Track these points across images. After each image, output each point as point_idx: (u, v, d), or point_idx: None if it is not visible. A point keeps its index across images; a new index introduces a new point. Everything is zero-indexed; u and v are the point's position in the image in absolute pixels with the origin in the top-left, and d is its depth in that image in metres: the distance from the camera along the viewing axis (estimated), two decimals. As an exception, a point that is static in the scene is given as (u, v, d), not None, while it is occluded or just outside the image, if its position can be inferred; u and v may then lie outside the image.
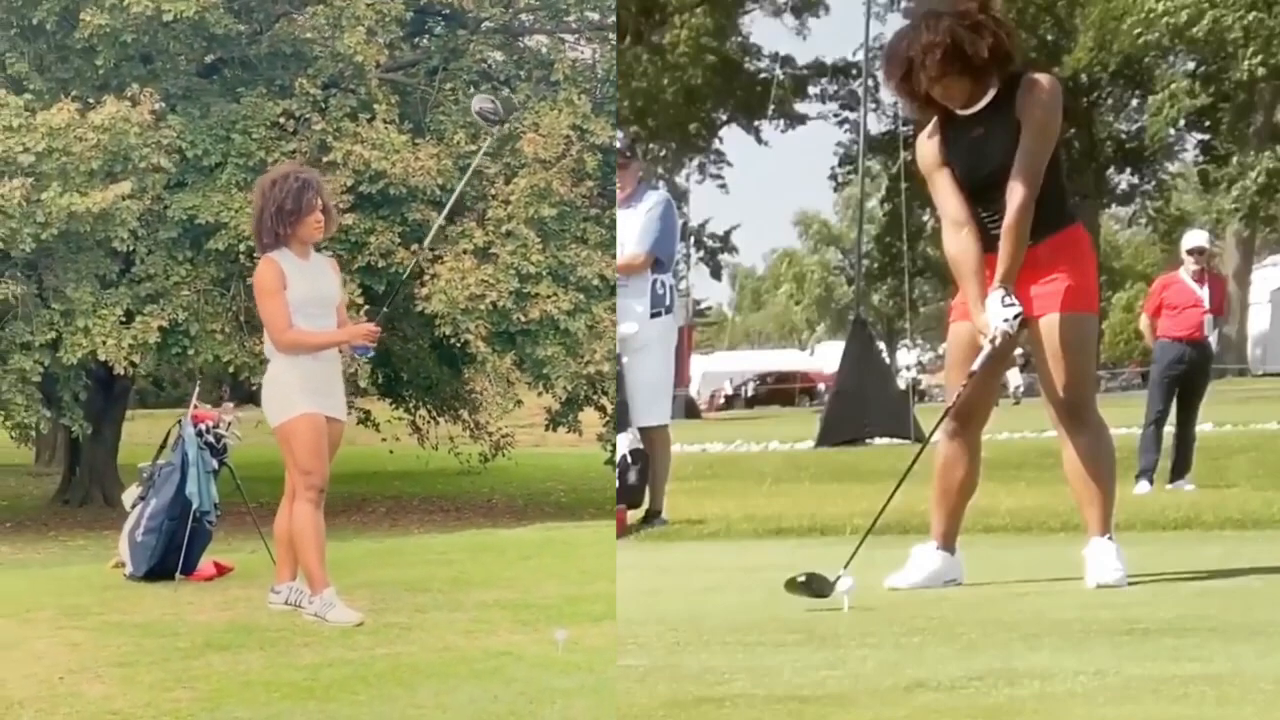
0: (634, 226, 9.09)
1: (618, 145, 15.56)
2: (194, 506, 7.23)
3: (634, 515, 9.00)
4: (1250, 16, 40.06)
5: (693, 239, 54.24)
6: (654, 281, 9.10)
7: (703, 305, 63.62)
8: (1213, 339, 12.87)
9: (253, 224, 6.31)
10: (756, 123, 53.37)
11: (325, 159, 14.77)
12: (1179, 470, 12.45)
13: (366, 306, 13.24)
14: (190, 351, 15.28)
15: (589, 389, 16.03)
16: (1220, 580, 5.96)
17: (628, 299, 9.13)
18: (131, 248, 14.98)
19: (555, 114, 15.28)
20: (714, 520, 9.02)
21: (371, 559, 7.94)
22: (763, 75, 52.59)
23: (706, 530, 8.72)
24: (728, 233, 57.11)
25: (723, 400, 59.21)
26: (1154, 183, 51.91)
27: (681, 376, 35.96)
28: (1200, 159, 47.82)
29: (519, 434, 20.03)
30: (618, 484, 8.98)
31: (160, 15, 14.63)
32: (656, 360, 9.13)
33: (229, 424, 7.51)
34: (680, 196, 51.70)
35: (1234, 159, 43.55)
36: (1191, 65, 45.43)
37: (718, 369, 62.71)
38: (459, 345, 15.25)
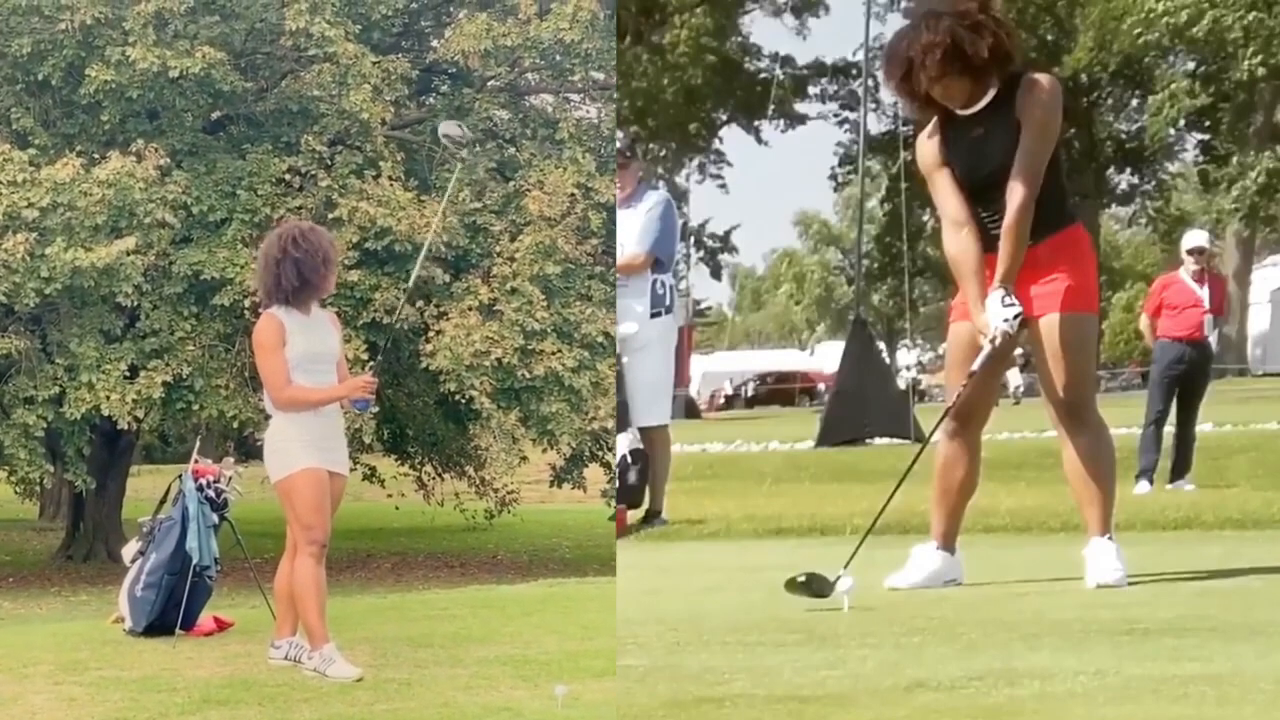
0: (634, 226, 9.10)
1: (618, 145, 15.60)
2: (194, 561, 7.15)
3: (634, 515, 9.01)
4: (1250, 16, 40.06)
5: (693, 239, 54.25)
6: (654, 281, 9.11)
7: (703, 305, 63.61)
8: (1213, 339, 12.87)
9: (260, 277, 6.23)
10: (756, 123, 53.38)
11: (331, 215, 14.79)
12: (1179, 470, 12.45)
13: (371, 362, 13.28)
14: (195, 406, 15.27)
15: (593, 445, 16.17)
16: (1220, 580, 5.96)
17: (628, 299, 9.13)
18: (136, 303, 14.97)
19: (560, 172, 15.37)
20: (714, 520, 9.02)
21: (374, 614, 7.91)
22: (763, 75, 52.58)
23: (706, 530, 8.73)
24: (728, 233, 57.15)
25: (723, 400, 59.22)
26: (1154, 183, 51.90)
27: (681, 376, 35.97)
28: (1200, 159, 47.81)
29: (524, 490, 20.07)
30: (617, 484, 8.99)
31: (166, 71, 14.63)
32: (656, 360, 9.13)
33: (230, 479, 7.45)
34: (680, 196, 51.70)
35: (1234, 159, 43.55)
36: (1191, 65, 45.43)
37: (718, 369, 62.71)
38: (464, 401, 15.31)
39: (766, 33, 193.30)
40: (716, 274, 59.87)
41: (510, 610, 7.43)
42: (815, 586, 5.43)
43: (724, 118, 54.34)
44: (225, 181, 15.27)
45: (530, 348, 14.97)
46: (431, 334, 14.82)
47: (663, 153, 52.69)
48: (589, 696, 5.22)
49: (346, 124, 15.36)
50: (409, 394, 16.88)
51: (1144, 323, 13.14)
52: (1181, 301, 12.61)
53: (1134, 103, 50.18)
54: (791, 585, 5.45)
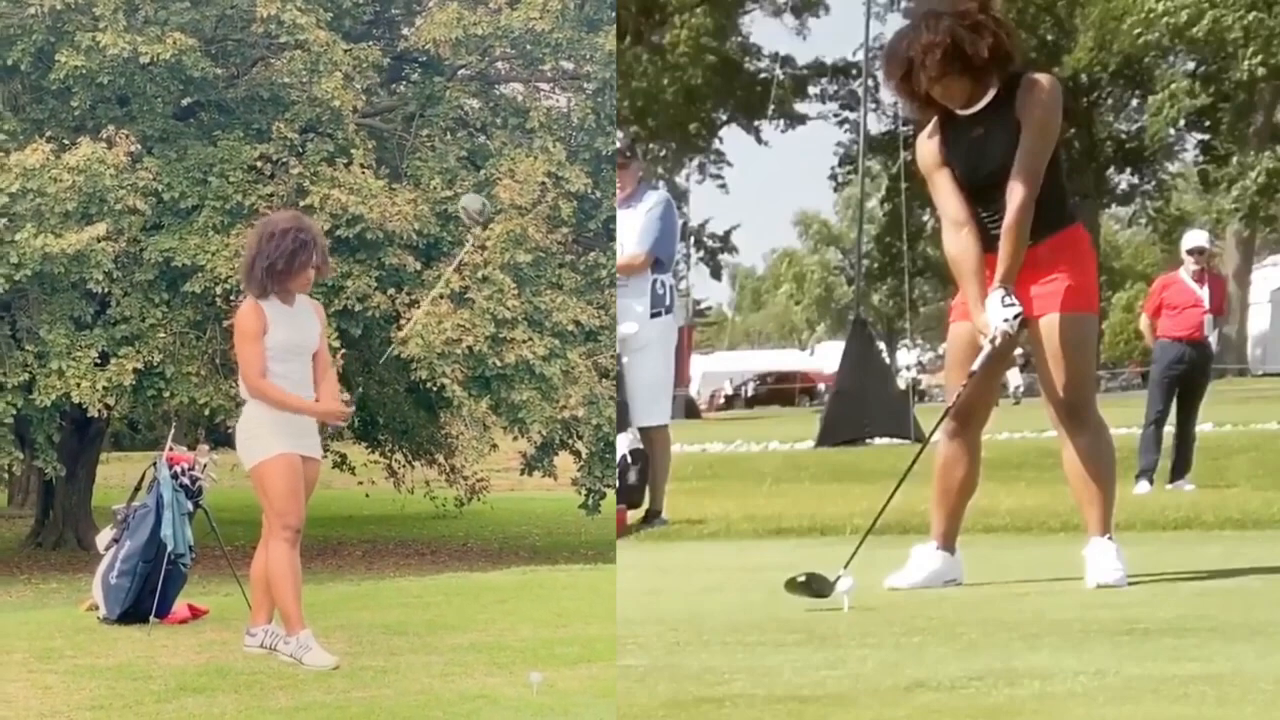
0: (634, 226, 9.10)
1: (618, 145, 15.59)
2: (169, 549, 7.16)
3: (634, 515, 9.00)
4: (1250, 16, 40.06)
5: (693, 239, 54.24)
6: (654, 281, 9.11)
7: (703, 305, 63.65)
8: (1213, 339, 12.87)
9: (243, 266, 6.23)
10: (756, 123, 53.38)
11: (302, 203, 14.80)
12: (1179, 470, 12.45)
13: (343, 350, 13.30)
14: (166, 394, 15.28)
15: (564, 433, 16.20)
16: (1220, 580, 5.96)
17: (628, 299, 9.13)
18: (107, 290, 14.97)
19: (531, 161, 15.42)
20: (714, 520, 9.02)
21: (347, 602, 7.92)
22: (763, 75, 52.58)
23: (706, 530, 8.73)
24: (728, 233, 57.14)
25: (723, 400, 59.23)
26: (1154, 183, 51.91)
27: (681, 376, 35.97)
28: (1200, 159, 47.81)
29: (494, 478, 20.18)
30: (618, 484, 8.99)
31: (137, 58, 14.65)
32: (656, 360, 9.13)
33: (204, 466, 7.44)
34: (680, 196, 51.69)
35: (1234, 159, 43.55)
36: (1191, 65, 45.43)
37: (718, 369, 62.73)
38: (435, 390, 15.36)
39: (766, 33, 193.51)
40: (716, 274, 59.92)
41: (484, 598, 7.43)
42: (815, 586, 5.43)
43: (724, 118, 54.34)
44: (196, 168, 15.28)
45: (501, 336, 15.05)
46: (403, 322, 14.89)
47: (663, 153, 52.68)
48: (564, 684, 5.25)
49: (318, 111, 15.38)
50: (380, 382, 16.93)
51: (1144, 323, 13.13)
52: (1181, 301, 12.61)
53: (1134, 103, 50.19)
54: (791, 585, 5.45)
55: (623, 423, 9.08)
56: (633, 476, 8.89)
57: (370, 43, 16.06)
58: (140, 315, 15.15)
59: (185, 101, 16.07)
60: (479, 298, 15.00)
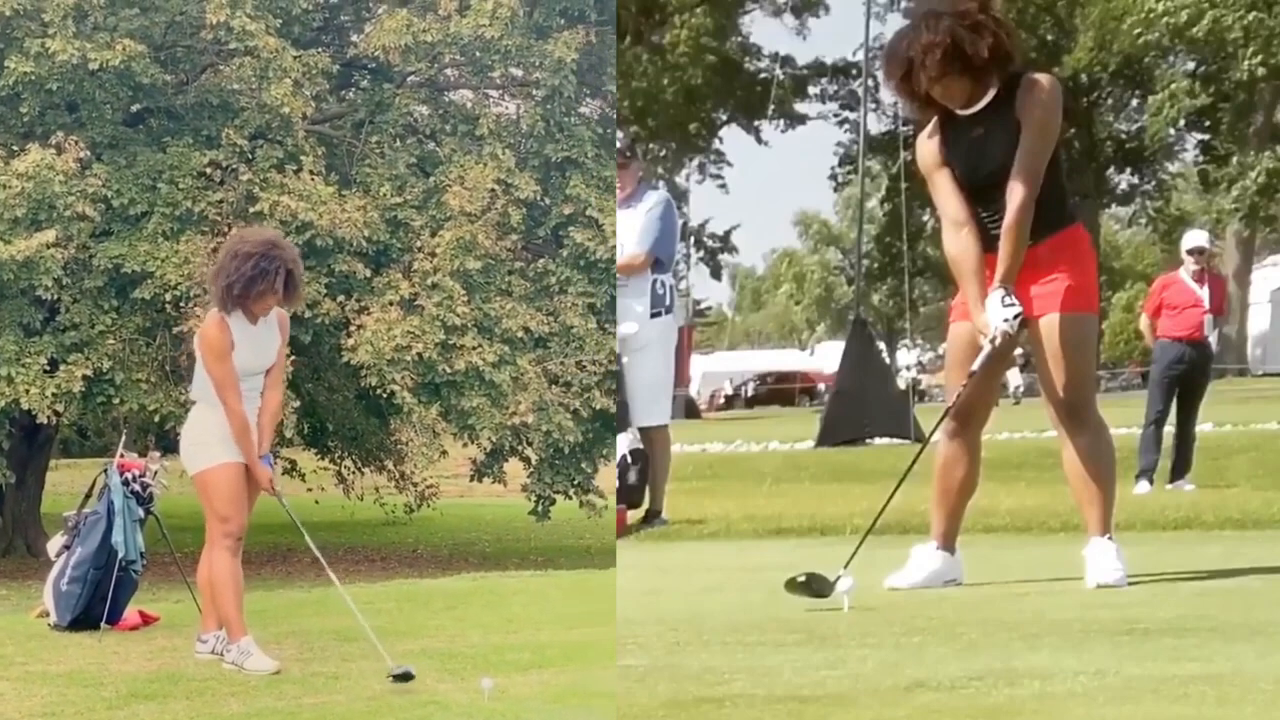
0: (634, 226, 9.10)
1: (618, 145, 15.60)
2: (120, 555, 7.16)
3: (634, 515, 9.00)
4: (1250, 16, 40.06)
5: (693, 239, 54.22)
6: (654, 281, 9.11)
7: (703, 305, 63.65)
8: (1213, 339, 12.87)
9: (212, 281, 6.23)
10: (756, 123, 53.38)
11: (252, 209, 14.86)
12: (1179, 470, 12.45)
13: (293, 356, 13.32)
14: (115, 400, 15.26)
15: (514, 440, 16.25)
16: (1220, 580, 5.96)
17: (628, 299, 9.13)
18: (56, 296, 14.97)
19: (480, 168, 15.45)
20: (714, 520, 9.02)
21: (298, 609, 7.95)
22: (763, 75, 52.59)
23: (706, 530, 8.73)
24: (728, 233, 57.13)
25: (723, 400, 59.24)
26: (1154, 183, 51.91)
27: (681, 376, 35.97)
28: (1200, 159, 47.82)
29: (444, 485, 20.16)
30: (618, 484, 8.99)
31: (86, 64, 14.63)
32: (656, 360, 9.13)
33: (155, 473, 7.45)
34: (680, 196, 51.68)
35: (1234, 159, 43.55)
36: (1191, 65, 45.44)
37: (718, 369, 62.73)
38: (385, 396, 15.38)
39: (766, 33, 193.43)
40: (716, 274, 59.91)
41: (434, 604, 7.46)
42: (815, 586, 5.43)
43: (724, 118, 54.34)
44: (145, 175, 15.28)
45: (451, 342, 15.09)
46: (353, 328, 14.89)
47: (663, 153, 52.68)
48: (515, 690, 5.27)
49: (267, 118, 15.39)
50: (329, 388, 16.93)
51: (1144, 323, 13.13)
52: (1181, 301, 12.61)
53: (1134, 103, 50.20)
54: (791, 585, 5.45)
55: (623, 423, 9.08)
56: (633, 476, 8.89)
57: (319, 49, 16.08)
58: (90, 322, 15.14)
59: (134, 108, 16.05)
60: (429, 304, 15.07)
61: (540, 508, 16.79)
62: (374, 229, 15.16)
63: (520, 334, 15.54)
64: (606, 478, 17.14)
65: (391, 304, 14.96)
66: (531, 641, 6.28)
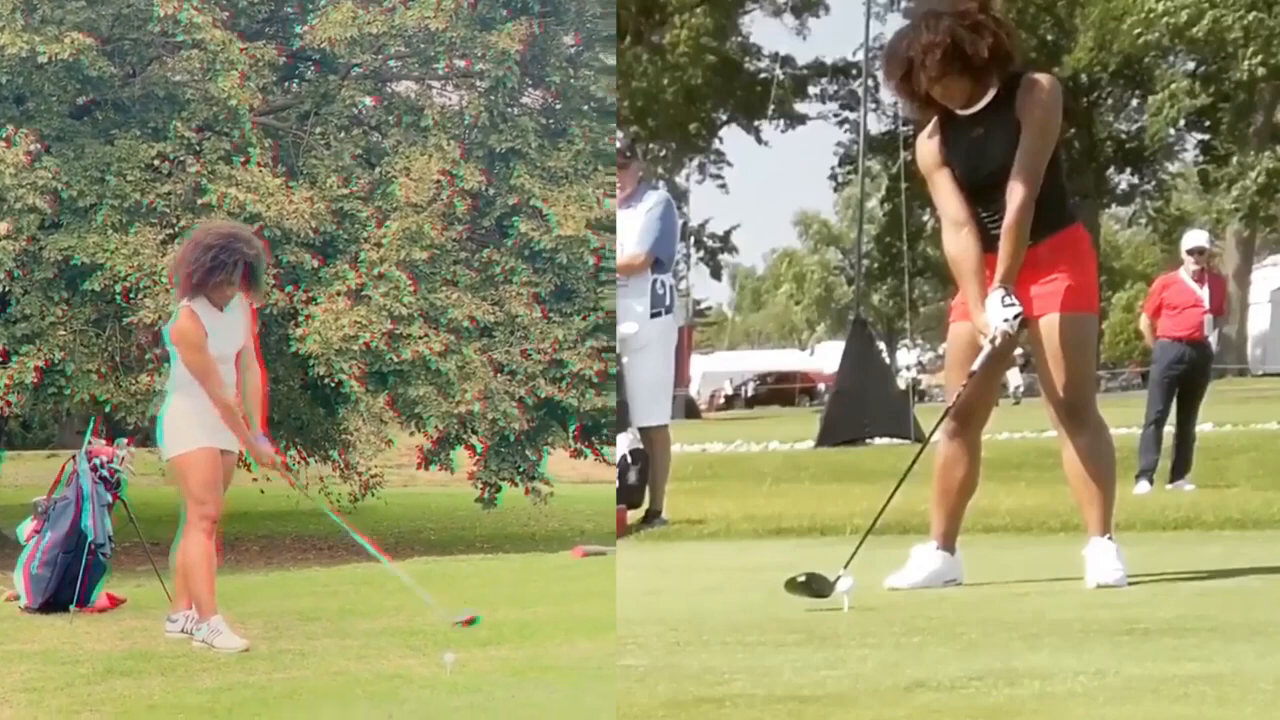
0: (634, 226, 9.10)
1: (618, 145, 15.58)
2: (89, 539, 7.35)
3: (634, 515, 9.00)
4: (1250, 16, 40.07)
5: (693, 239, 54.24)
6: (654, 281, 9.11)
7: (703, 305, 63.67)
8: (1213, 339, 12.87)
9: (176, 271, 6.40)
10: (756, 123, 53.38)
11: (200, 201, 14.93)
12: (1179, 470, 12.45)
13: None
14: (67, 391, 15.37)
15: (460, 429, 16.32)
16: (1220, 580, 5.96)
17: (628, 299, 9.13)
18: (7, 288, 15.07)
19: (426, 159, 15.51)
20: (714, 520, 9.02)
21: (258, 591, 8.13)
22: (763, 75, 52.59)
23: (706, 530, 8.73)
24: (728, 233, 57.15)
25: (723, 400, 59.24)
26: (1154, 183, 51.93)
27: (681, 376, 35.96)
28: (1200, 159, 47.83)
29: (388, 474, 20.21)
30: (618, 484, 8.99)
31: (35, 57, 14.68)
32: (656, 360, 9.13)
33: (124, 459, 7.64)
34: (680, 196, 51.69)
35: (1234, 159, 43.56)
36: (1191, 65, 45.45)
37: (718, 369, 62.73)
38: (333, 386, 15.45)
39: (766, 33, 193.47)
40: (716, 274, 59.94)
41: (390, 587, 7.54)
42: (815, 586, 5.43)
43: (724, 118, 54.34)
44: (94, 167, 15.35)
45: (398, 332, 15.17)
46: (301, 318, 14.93)
47: (663, 153, 52.68)
48: (476, 665, 5.38)
49: (215, 110, 15.44)
50: (275, 378, 16.92)
51: (1144, 323, 13.13)
52: (1181, 301, 12.61)
53: (1134, 103, 50.21)
54: (791, 585, 5.45)
55: (623, 423, 9.08)
56: (633, 476, 8.89)
57: (265, 41, 16.04)
58: (40, 313, 15.22)
59: (82, 100, 16.07)
60: (376, 294, 15.14)
61: (487, 495, 16.88)
62: (321, 220, 15.24)
63: (466, 323, 15.63)
64: (552, 465, 17.38)
65: (339, 294, 15.05)
66: (489, 620, 6.39)
